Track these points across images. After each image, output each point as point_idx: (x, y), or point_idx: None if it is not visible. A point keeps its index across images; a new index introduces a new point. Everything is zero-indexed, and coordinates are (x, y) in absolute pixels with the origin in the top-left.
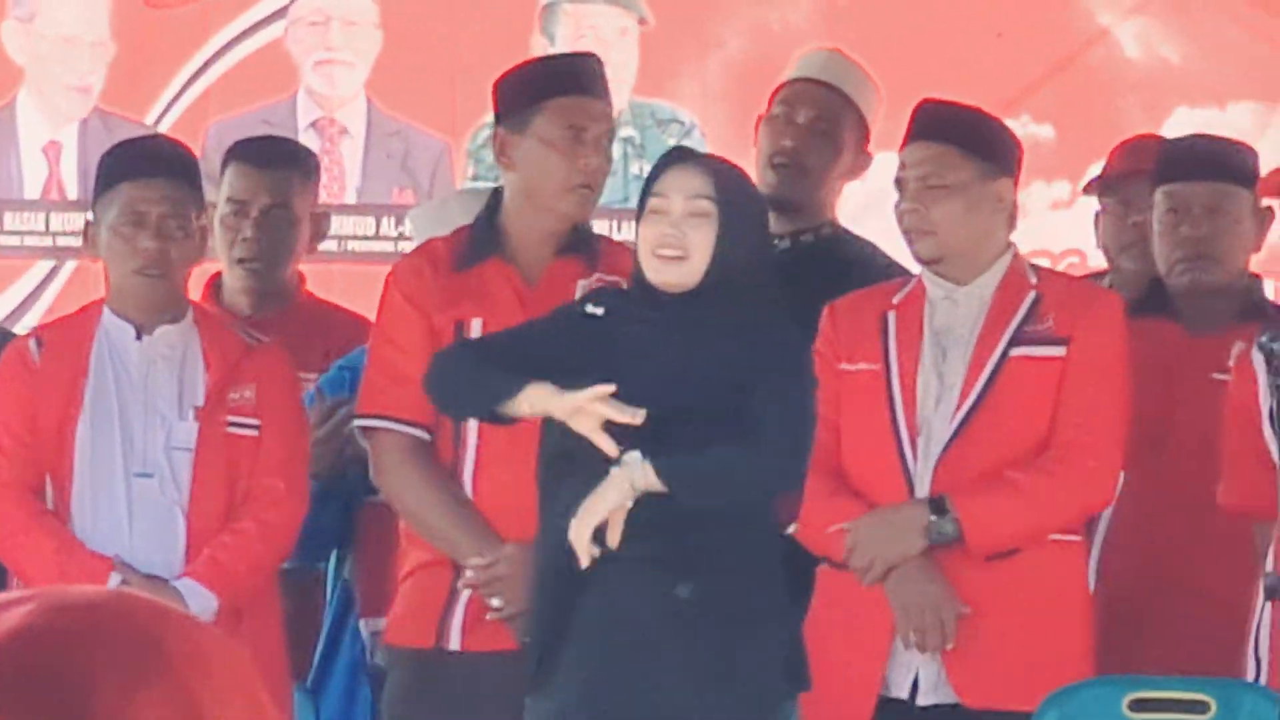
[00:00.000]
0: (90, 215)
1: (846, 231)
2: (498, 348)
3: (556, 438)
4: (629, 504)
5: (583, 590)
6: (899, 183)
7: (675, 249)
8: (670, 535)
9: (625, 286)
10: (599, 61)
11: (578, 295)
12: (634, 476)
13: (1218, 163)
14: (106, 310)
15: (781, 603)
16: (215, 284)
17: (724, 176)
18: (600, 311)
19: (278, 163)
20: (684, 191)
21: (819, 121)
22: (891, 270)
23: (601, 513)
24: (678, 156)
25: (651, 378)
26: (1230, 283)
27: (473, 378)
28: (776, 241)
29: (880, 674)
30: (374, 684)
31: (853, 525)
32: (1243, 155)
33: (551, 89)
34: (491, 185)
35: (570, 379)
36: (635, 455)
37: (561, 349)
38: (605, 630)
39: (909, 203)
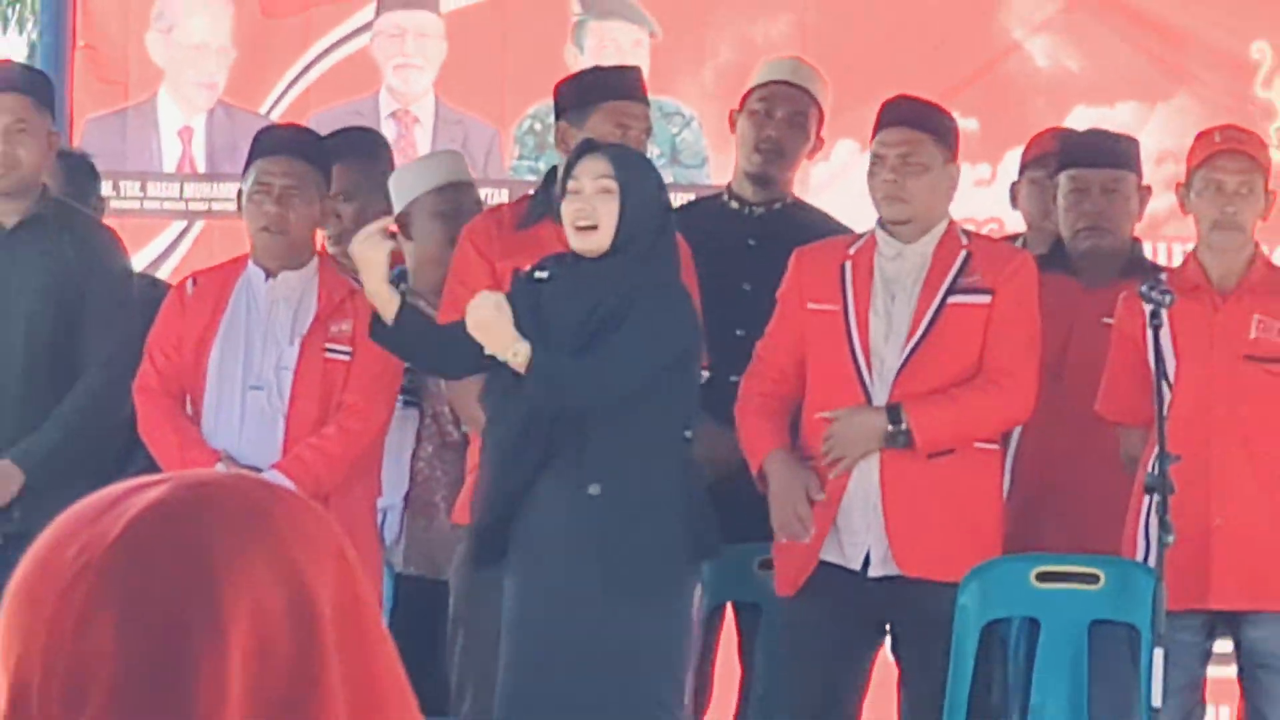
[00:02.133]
0: (240, 186)
1: (802, 201)
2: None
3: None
4: (510, 358)
5: (520, 497)
6: (879, 157)
7: (588, 220)
8: (582, 445)
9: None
10: (640, 73)
11: None
12: (518, 349)
13: (1111, 152)
14: (249, 261)
15: (681, 489)
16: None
17: (624, 160)
18: (545, 275)
19: (365, 151)
20: (592, 174)
21: (794, 115)
22: (837, 229)
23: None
24: (587, 147)
25: (565, 323)
26: (1119, 247)
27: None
28: (753, 209)
29: (818, 545)
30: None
31: (829, 429)
32: (1130, 145)
33: (605, 94)
34: (530, 163)
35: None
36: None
37: (515, 308)
38: (535, 527)
39: (888, 174)
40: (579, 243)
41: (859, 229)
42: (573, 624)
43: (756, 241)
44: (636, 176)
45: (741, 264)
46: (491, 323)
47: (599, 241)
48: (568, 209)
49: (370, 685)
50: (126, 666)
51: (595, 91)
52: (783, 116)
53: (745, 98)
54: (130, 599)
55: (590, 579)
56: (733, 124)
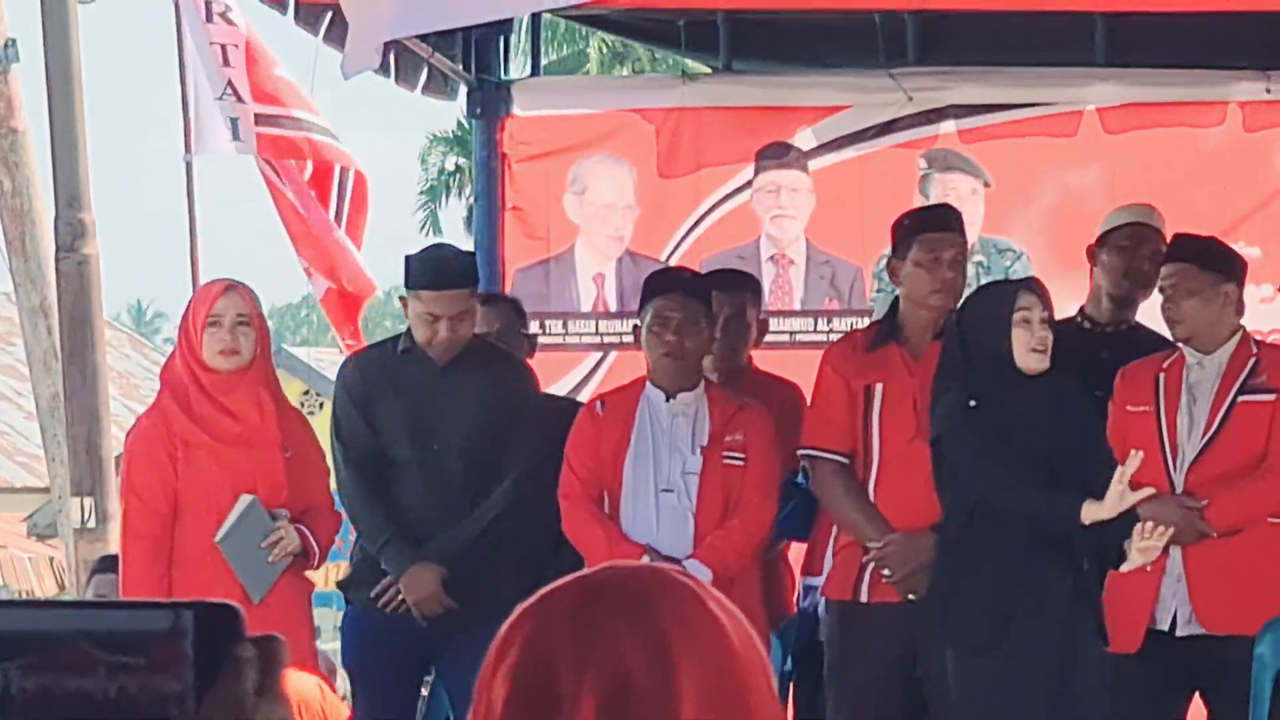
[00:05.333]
0: (637, 321)
1: (1140, 324)
2: None
3: None
4: None
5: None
6: (1160, 290)
7: (1042, 346)
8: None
9: None
10: (952, 209)
11: None
12: None
13: None
14: (647, 383)
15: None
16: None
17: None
18: (974, 404)
19: (734, 286)
20: (1038, 307)
21: (1155, 252)
22: (1169, 346)
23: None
24: (1026, 283)
25: (1029, 440)
26: None
27: None
28: (1104, 328)
29: (1150, 611)
30: (801, 619)
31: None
32: None
33: (919, 229)
34: (887, 294)
35: None
36: None
37: (962, 435)
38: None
39: (1167, 302)
40: (1034, 363)
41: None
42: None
43: (1108, 356)
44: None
45: (1094, 375)
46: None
47: (1046, 364)
48: (1022, 334)
49: None
50: (510, 699)
51: (912, 228)
52: (1147, 253)
53: (1107, 235)
54: (523, 651)
55: (1093, 642)
56: (1090, 257)
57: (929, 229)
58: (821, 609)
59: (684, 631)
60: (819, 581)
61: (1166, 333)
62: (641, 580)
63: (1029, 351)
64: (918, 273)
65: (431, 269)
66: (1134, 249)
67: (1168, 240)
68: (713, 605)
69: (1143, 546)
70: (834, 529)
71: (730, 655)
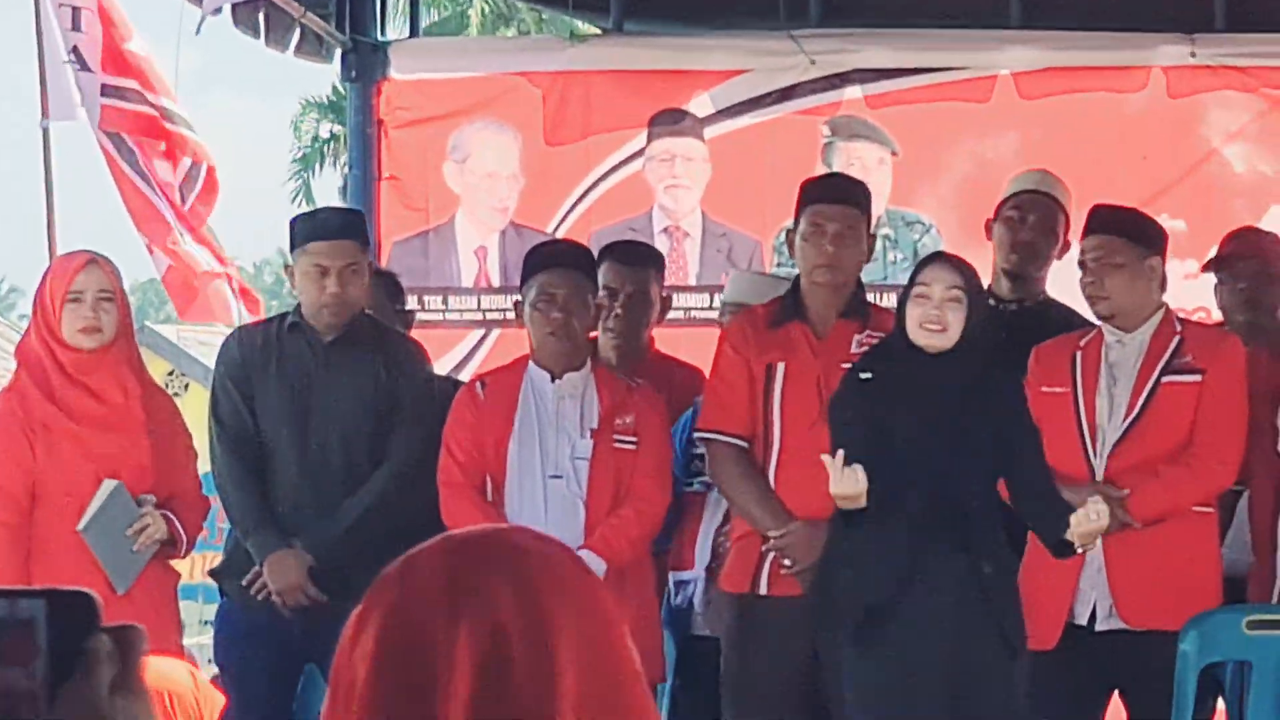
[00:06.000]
0: (519, 297)
1: (1053, 299)
2: None
3: None
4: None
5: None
6: (1082, 263)
7: (937, 324)
8: (967, 531)
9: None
10: (845, 178)
11: (852, 348)
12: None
13: None
14: (531, 363)
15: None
16: (593, 344)
17: (968, 272)
18: (869, 375)
19: (638, 261)
20: (943, 283)
21: (1044, 220)
22: (1083, 324)
23: None
24: (935, 258)
25: (909, 418)
26: None
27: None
28: (1006, 305)
29: (1069, 605)
30: (672, 617)
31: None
32: None
33: (808, 200)
34: (788, 269)
35: None
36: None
37: (848, 408)
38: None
39: (1089, 276)
40: (925, 339)
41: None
42: (974, 692)
43: (1008, 335)
44: (977, 287)
45: (998, 356)
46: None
47: (945, 341)
48: (915, 310)
49: (612, 701)
50: (378, 665)
51: (802, 200)
52: (1034, 222)
53: (1000, 207)
54: (388, 616)
55: (992, 647)
56: (988, 231)
57: (816, 200)
58: (698, 604)
59: (555, 580)
60: (690, 575)
61: (1084, 308)
62: (511, 533)
63: (919, 328)
64: (804, 246)
65: (318, 221)
66: (1020, 220)
67: (1068, 209)
68: (581, 566)
69: (1084, 531)
70: (715, 518)
71: (601, 608)
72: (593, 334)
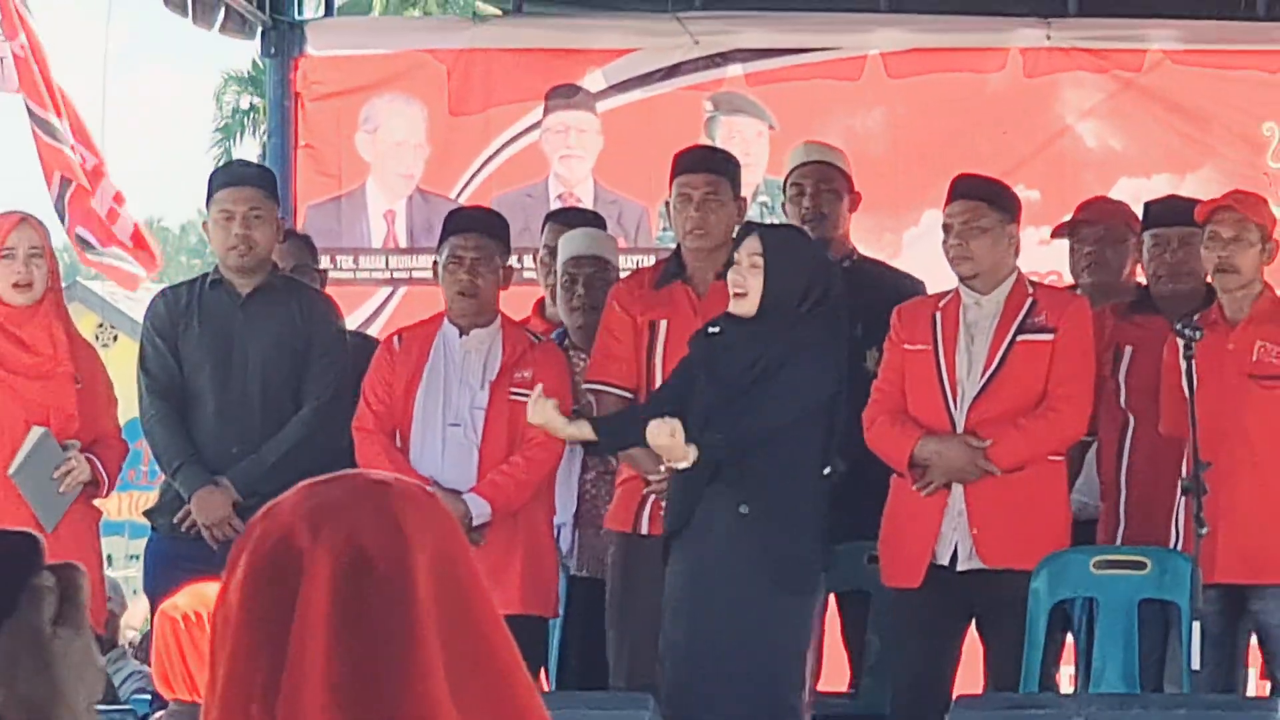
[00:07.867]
0: (435, 257)
1: (869, 257)
2: (658, 395)
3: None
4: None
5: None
6: (947, 226)
7: (740, 288)
8: (739, 475)
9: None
10: (708, 148)
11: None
12: (689, 455)
13: (1183, 214)
14: (445, 319)
15: (816, 512)
16: (541, 302)
17: (773, 240)
18: (717, 330)
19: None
20: (747, 250)
21: (821, 185)
22: (903, 281)
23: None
24: (747, 229)
25: (730, 372)
26: (1195, 287)
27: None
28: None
29: (931, 547)
30: None
31: (927, 454)
32: (1191, 208)
33: (676, 170)
34: (672, 234)
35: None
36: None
37: (694, 357)
38: (699, 535)
39: (954, 239)
40: (733, 306)
41: (947, 282)
42: (730, 611)
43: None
44: (784, 254)
45: None
46: (669, 446)
47: (747, 306)
48: (729, 277)
49: (467, 627)
50: (247, 589)
51: (675, 169)
52: (812, 190)
53: (785, 182)
54: (258, 540)
55: (749, 577)
56: (786, 210)
57: (683, 171)
58: (564, 547)
59: (413, 506)
60: (557, 521)
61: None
62: (376, 475)
63: (729, 294)
64: (676, 214)
65: (228, 172)
66: (800, 193)
67: (843, 165)
68: (437, 501)
69: (658, 445)
70: (574, 466)
71: (458, 538)
72: (502, 289)
